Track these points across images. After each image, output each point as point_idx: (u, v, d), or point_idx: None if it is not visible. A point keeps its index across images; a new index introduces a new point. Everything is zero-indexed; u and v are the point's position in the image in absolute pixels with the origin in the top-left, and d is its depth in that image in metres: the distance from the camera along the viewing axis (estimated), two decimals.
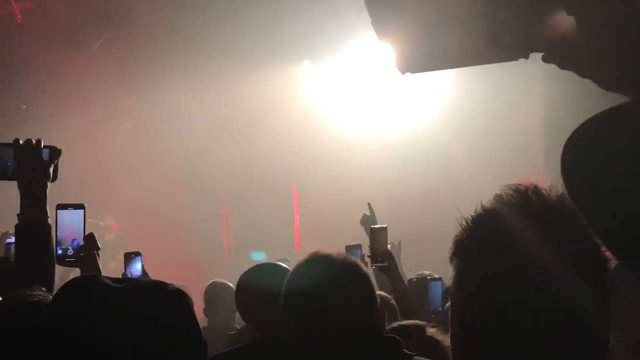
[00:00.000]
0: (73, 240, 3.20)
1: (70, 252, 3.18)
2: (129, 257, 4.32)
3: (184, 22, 9.29)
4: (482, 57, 5.55)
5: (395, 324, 2.86)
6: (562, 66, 1.23)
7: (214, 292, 5.91)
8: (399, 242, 4.50)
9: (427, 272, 5.20)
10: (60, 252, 3.12)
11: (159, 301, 1.65)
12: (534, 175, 8.09)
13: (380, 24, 5.47)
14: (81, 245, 3.20)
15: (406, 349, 2.18)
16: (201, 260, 10.42)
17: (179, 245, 10.63)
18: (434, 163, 9.73)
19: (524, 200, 1.25)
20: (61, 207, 3.14)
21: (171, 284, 1.76)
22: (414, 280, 4.69)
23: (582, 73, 1.22)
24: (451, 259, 1.29)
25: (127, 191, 10.89)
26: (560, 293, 1.19)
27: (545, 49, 1.23)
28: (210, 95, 10.31)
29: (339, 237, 6.05)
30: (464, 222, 1.27)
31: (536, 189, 1.25)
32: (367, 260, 4.98)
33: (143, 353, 1.57)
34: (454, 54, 5.28)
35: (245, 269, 4.44)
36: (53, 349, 1.44)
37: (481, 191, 1.39)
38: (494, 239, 1.24)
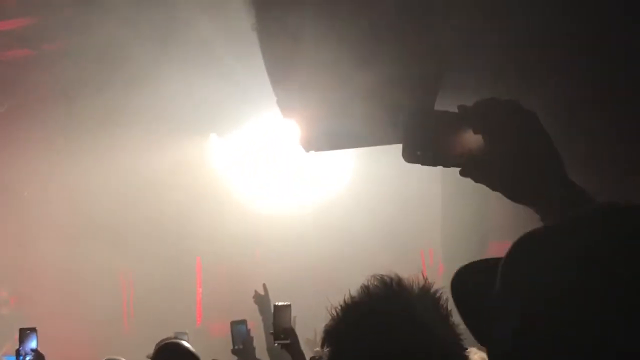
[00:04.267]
0: None
1: None
2: (24, 333, 4.22)
3: (89, 89, 9.24)
4: (384, 138, 5.73)
5: None
6: (476, 180, 1.33)
7: None
8: (294, 317, 4.56)
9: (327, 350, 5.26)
10: None
11: None
12: (432, 249, 8.31)
13: (284, 103, 5.61)
14: None
15: None
16: (100, 334, 10.15)
17: (78, 318, 10.34)
18: (336, 237, 9.85)
19: (388, 292, 1.32)
20: None
21: None
22: (316, 358, 4.73)
23: (493, 187, 1.31)
24: (322, 346, 1.36)
25: (24, 262, 10.59)
26: None
27: (458, 165, 1.32)
28: (115, 166, 10.21)
29: (241, 312, 6.06)
30: (333, 312, 1.35)
31: (399, 281, 1.33)
32: (252, 335, 5.09)
33: None
34: (355, 133, 5.45)
35: (145, 343, 4.41)
36: None
37: (381, 265, 1.45)
38: (359, 328, 1.32)
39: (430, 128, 1.33)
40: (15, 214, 10.61)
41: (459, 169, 1.35)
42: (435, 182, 7.92)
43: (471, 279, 1.03)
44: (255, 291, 5.39)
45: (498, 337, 0.87)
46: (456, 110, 1.32)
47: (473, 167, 1.31)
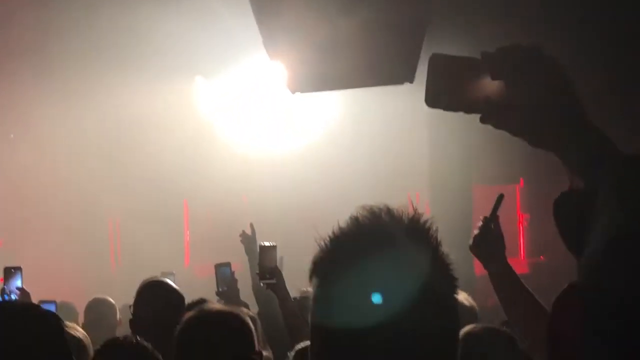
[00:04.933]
0: None
1: None
2: (9, 272, 4.24)
3: (71, 34, 9.13)
4: (370, 80, 5.73)
5: (306, 344, 3.16)
6: (497, 127, 1.32)
7: (94, 308, 5.87)
8: (281, 258, 4.60)
9: (310, 290, 5.32)
10: None
11: (26, 325, 1.71)
12: (418, 192, 8.35)
13: (271, 44, 5.57)
14: None
15: None
16: (88, 275, 10.21)
17: (64, 259, 10.38)
18: (323, 180, 9.88)
19: (377, 222, 1.32)
20: None
21: (41, 307, 1.81)
22: (298, 298, 4.78)
23: (514, 133, 1.31)
24: (310, 277, 1.36)
25: (10, 204, 10.58)
26: (410, 312, 1.27)
27: (479, 111, 1.33)
28: (101, 109, 10.14)
29: (229, 254, 6.10)
30: (322, 243, 1.34)
31: (389, 211, 1.33)
32: (237, 277, 5.14)
33: None
34: (341, 75, 5.43)
35: (133, 283, 4.43)
36: None
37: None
38: (348, 259, 1.30)
39: (453, 74, 1.33)
40: (2, 156, 10.56)
41: (464, 113, 1.36)
42: (422, 125, 7.93)
43: (573, 200, 1.05)
44: (243, 231, 5.38)
45: (595, 248, 0.88)
46: (479, 57, 1.32)
47: (494, 113, 1.31)
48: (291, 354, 3.25)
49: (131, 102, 10.01)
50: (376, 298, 1.25)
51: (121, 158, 10.50)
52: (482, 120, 1.33)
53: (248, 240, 5.27)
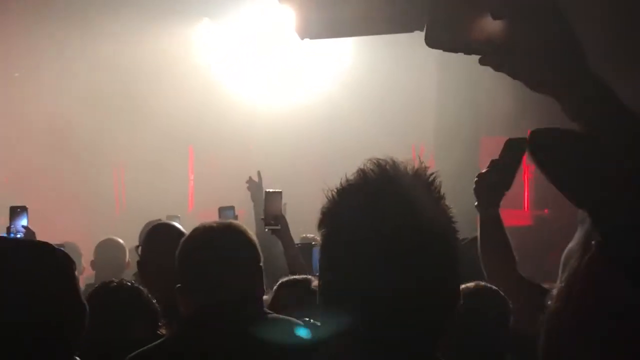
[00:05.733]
0: None
1: None
2: (15, 211, 4.27)
3: None
4: (379, 27, 5.65)
5: (291, 278, 3.30)
6: (496, 68, 1.31)
7: (104, 248, 5.98)
8: (285, 205, 4.64)
9: (311, 236, 5.40)
10: None
11: (37, 263, 1.73)
12: (423, 145, 8.33)
13: None
14: None
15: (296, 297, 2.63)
16: (92, 218, 10.27)
17: (69, 201, 10.43)
18: (329, 131, 9.88)
19: (383, 174, 1.35)
20: None
21: (54, 245, 1.83)
22: (299, 245, 4.83)
23: (514, 75, 1.30)
24: (318, 227, 1.40)
25: (17, 145, 10.60)
26: (415, 260, 1.32)
27: (479, 52, 1.31)
28: (106, 53, 10.10)
29: (233, 201, 6.13)
30: (330, 194, 1.38)
31: (394, 164, 1.36)
32: (239, 220, 5.18)
33: (15, 311, 1.66)
34: (352, 21, 5.36)
35: (137, 227, 4.45)
36: None
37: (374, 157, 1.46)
38: (355, 209, 1.35)
39: (454, 14, 1.31)
40: (6, 96, 10.56)
41: (466, 57, 1.34)
42: (430, 76, 7.87)
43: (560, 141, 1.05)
44: (250, 177, 5.42)
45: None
46: None
47: (494, 54, 1.29)
48: (275, 286, 3.30)
49: (136, 45, 9.94)
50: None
51: (125, 102, 10.47)
52: (482, 61, 1.32)
53: (255, 186, 5.31)
